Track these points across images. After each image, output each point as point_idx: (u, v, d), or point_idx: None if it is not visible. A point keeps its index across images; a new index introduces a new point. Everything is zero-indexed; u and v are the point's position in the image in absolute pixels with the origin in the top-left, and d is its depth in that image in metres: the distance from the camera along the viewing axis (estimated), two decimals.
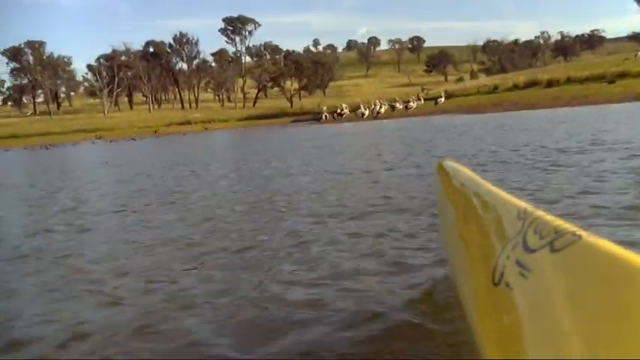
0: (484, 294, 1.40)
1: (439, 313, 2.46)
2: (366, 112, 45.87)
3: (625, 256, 0.86)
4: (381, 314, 2.51)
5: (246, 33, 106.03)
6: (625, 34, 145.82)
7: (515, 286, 1.15)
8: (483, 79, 65.73)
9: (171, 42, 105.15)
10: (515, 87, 50.47)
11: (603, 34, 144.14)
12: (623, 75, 43.96)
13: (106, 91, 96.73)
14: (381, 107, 45.50)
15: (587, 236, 0.98)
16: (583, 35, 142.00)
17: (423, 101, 45.28)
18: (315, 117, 53.88)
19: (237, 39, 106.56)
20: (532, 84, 49.47)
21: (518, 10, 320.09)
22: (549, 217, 1.19)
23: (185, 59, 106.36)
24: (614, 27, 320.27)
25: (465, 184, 2.15)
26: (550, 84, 47.63)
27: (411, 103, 44.21)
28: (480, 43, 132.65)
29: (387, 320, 2.44)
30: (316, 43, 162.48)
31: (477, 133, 15.80)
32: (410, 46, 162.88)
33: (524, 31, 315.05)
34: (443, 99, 45.12)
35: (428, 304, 2.61)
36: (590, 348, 0.79)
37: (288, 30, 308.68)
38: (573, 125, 15.92)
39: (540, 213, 1.25)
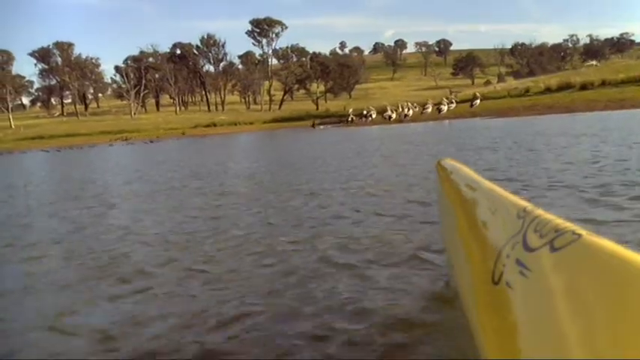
0: (484, 293, 1.38)
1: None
2: (394, 115, 44.61)
3: (625, 255, 0.86)
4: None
5: (273, 35, 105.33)
6: None
7: (516, 285, 1.15)
8: (514, 82, 64.08)
9: (199, 44, 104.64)
10: (548, 90, 48.98)
11: (632, 38, 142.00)
12: None
13: (132, 92, 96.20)
14: (408, 110, 44.35)
15: (587, 235, 0.99)
16: (612, 38, 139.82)
17: (455, 104, 43.63)
18: (341, 119, 53.29)
19: (264, 41, 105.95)
20: (565, 87, 47.93)
21: (544, 12, 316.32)
22: (549, 216, 1.19)
23: (212, 61, 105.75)
24: None
25: (464, 183, 2.15)
26: (584, 87, 46.08)
27: (443, 106, 42.69)
28: (508, 46, 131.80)
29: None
30: (343, 45, 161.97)
31: (536, 141, 13.41)
32: (437, 49, 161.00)
33: (550, 33, 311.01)
34: (479, 101, 43.44)
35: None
36: (590, 347, 0.79)
37: (315, 32, 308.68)
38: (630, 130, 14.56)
39: (540, 212, 1.25)
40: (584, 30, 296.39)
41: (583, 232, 1.00)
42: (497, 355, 1.14)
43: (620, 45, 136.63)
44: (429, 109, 43.83)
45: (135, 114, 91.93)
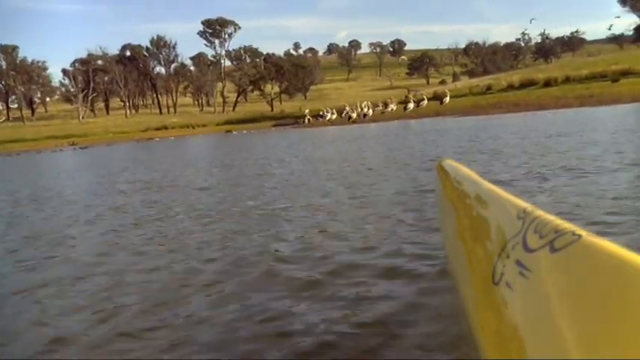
0: (484, 294, 1.38)
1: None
2: (354, 115, 42.36)
3: (625, 255, 0.86)
4: None
5: (226, 36, 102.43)
6: (604, 36, 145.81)
7: (516, 285, 1.14)
8: (475, 80, 62.13)
9: (149, 45, 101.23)
10: (510, 87, 47.28)
11: (583, 37, 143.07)
12: (625, 73, 40.93)
13: (80, 96, 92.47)
14: (368, 109, 42.10)
15: (587, 236, 0.98)
16: (563, 37, 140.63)
17: (426, 100, 41.55)
18: (297, 121, 51.85)
19: (217, 42, 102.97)
20: (528, 84, 46.21)
21: (497, 13, 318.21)
22: (549, 217, 1.18)
23: (163, 63, 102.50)
24: (593, 29, 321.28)
25: (464, 184, 2.14)
26: (548, 83, 44.32)
27: (410, 104, 40.60)
28: (461, 46, 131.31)
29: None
30: (297, 46, 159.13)
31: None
32: (391, 49, 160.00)
33: (503, 33, 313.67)
34: (448, 98, 41.30)
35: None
36: (590, 348, 0.79)
37: (268, 34, 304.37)
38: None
39: (540, 212, 1.24)
40: (537, 30, 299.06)
41: (583, 232, 1.00)
42: (497, 356, 1.15)
43: (571, 43, 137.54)
44: (391, 108, 41.48)
45: (83, 118, 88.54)
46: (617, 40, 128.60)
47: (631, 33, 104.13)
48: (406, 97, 48.51)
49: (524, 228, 1.22)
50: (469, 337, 1.50)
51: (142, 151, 28.12)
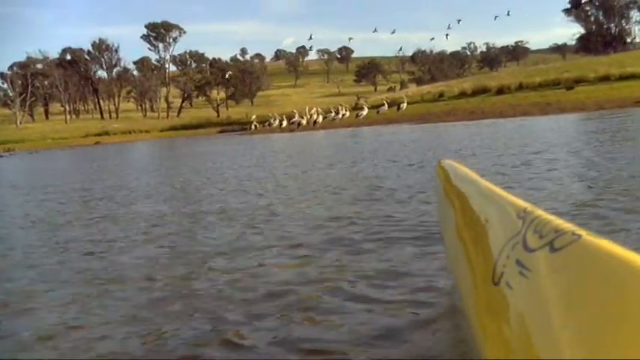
0: (484, 293, 1.39)
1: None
2: (303, 122, 40.37)
3: (625, 255, 0.86)
4: None
5: (170, 40, 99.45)
6: (547, 46, 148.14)
7: (516, 285, 1.15)
8: (427, 87, 60.71)
9: (90, 49, 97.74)
10: (463, 94, 45.84)
11: (527, 46, 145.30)
12: (578, 81, 40.04)
13: (18, 100, 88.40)
14: (318, 116, 40.15)
15: (587, 236, 0.98)
16: (508, 46, 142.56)
17: (387, 106, 39.65)
18: (244, 127, 50.12)
19: (161, 46, 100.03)
20: (481, 91, 44.95)
21: (443, 22, 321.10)
22: (549, 217, 1.19)
23: (105, 67, 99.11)
24: (537, 39, 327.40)
25: (464, 184, 2.15)
26: (501, 91, 43.11)
27: (363, 111, 38.72)
28: (408, 53, 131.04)
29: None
30: (244, 52, 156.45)
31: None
32: (339, 56, 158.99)
33: (448, 42, 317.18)
34: (405, 104, 39.47)
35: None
36: (590, 348, 0.78)
37: (214, 39, 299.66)
38: None
39: (540, 212, 1.25)
40: (481, 38, 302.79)
41: (583, 232, 1.00)
42: (497, 356, 1.15)
43: (515, 53, 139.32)
44: (343, 115, 39.85)
45: (21, 123, 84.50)
46: (559, 49, 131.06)
47: (573, 43, 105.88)
48: (356, 103, 46.88)
49: (524, 227, 1.22)
50: (469, 337, 1.50)
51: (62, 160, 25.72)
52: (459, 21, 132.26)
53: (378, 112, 39.48)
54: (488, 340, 1.25)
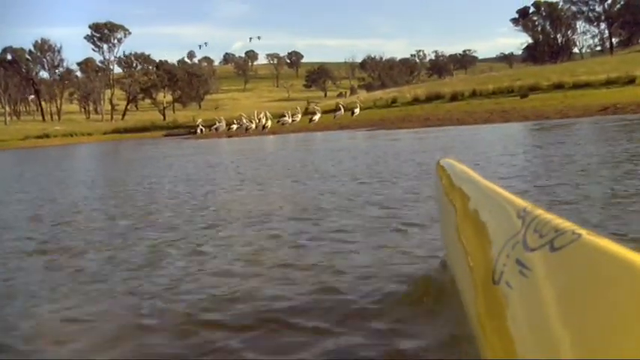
0: (484, 293, 1.39)
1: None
2: (252, 126, 38.74)
3: (625, 254, 0.86)
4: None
5: (115, 41, 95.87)
6: (494, 55, 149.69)
7: (516, 285, 1.15)
8: (379, 92, 59.32)
9: (32, 49, 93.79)
10: (416, 100, 44.75)
11: (475, 55, 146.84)
12: (533, 89, 39.36)
13: None
14: (267, 121, 38.54)
15: (587, 235, 0.98)
16: (456, 55, 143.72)
17: (343, 111, 38.52)
18: (191, 131, 48.12)
19: (105, 47, 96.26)
20: (434, 97, 43.93)
21: (391, 29, 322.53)
22: (549, 216, 1.19)
23: (47, 68, 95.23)
24: (483, 48, 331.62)
25: (464, 183, 2.12)
26: (454, 97, 42.15)
27: (315, 116, 37.50)
28: (358, 60, 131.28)
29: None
30: (191, 55, 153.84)
31: None
32: (288, 60, 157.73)
33: (395, 49, 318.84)
34: (358, 110, 38.50)
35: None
36: (590, 347, 0.78)
37: (160, 42, 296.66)
38: None
39: (540, 212, 1.25)
40: (429, 47, 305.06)
41: (583, 231, 1.00)
42: (497, 355, 1.15)
43: (463, 61, 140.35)
44: (293, 120, 38.41)
45: None
46: (506, 59, 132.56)
47: (520, 52, 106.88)
48: (306, 108, 45.38)
49: (524, 227, 1.22)
50: (469, 336, 1.49)
51: None
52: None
53: (335, 116, 38.27)
54: (489, 340, 1.25)
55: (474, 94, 42.29)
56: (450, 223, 2.10)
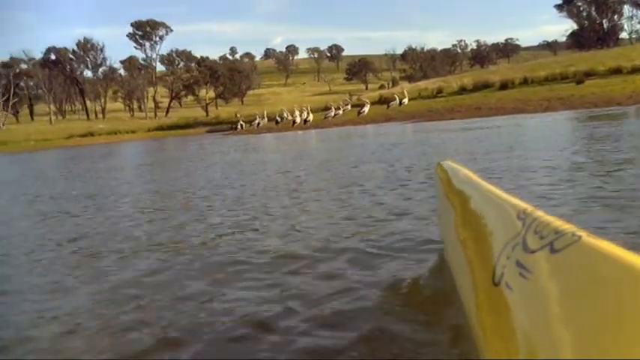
0: (484, 294, 1.38)
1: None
2: (298, 119, 37.01)
3: (625, 256, 0.85)
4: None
5: (157, 38, 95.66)
6: (537, 43, 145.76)
7: (515, 286, 1.15)
8: (423, 83, 57.25)
9: (75, 48, 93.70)
10: (463, 90, 42.48)
11: (518, 43, 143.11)
12: (588, 74, 36.82)
13: (0, 101, 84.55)
14: (309, 115, 36.91)
15: (587, 237, 0.98)
16: (498, 44, 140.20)
17: (398, 101, 36.42)
18: (232, 126, 47.30)
19: (147, 45, 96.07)
20: (482, 86, 41.61)
21: (430, 20, 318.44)
22: (549, 218, 1.19)
23: (90, 66, 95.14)
24: (525, 36, 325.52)
25: (464, 185, 2.13)
26: (504, 86, 39.75)
27: (365, 108, 35.60)
28: (399, 52, 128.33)
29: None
30: (233, 51, 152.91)
31: None
32: (329, 54, 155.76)
33: (435, 40, 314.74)
34: (407, 100, 36.46)
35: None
36: (590, 349, 0.78)
37: (202, 39, 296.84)
38: None
39: (540, 213, 1.25)
40: (470, 36, 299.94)
41: (583, 233, 1.00)
42: (497, 356, 1.15)
43: (506, 50, 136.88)
44: (336, 113, 36.53)
45: (4, 125, 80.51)
46: (550, 46, 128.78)
47: (564, 39, 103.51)
48: (348, 100, 43.42)
49: (524, 229, 1.22)
50: (469, 337, 1.49)
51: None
52: None
53: (388, 106, 36.57)
54: (489, 341, 1.24)
55: (524, 82, 39.89)
56: (450, 224, 2.10)
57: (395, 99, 36.65)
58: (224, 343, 2.29)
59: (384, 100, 41.25)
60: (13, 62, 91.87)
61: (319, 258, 3.38)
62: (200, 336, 2.36)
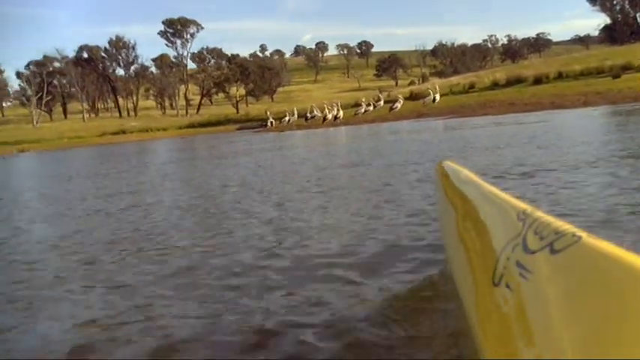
0: (484, 295, 1.37)
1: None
2: (329, 116, 36.43)
3: (625, 257, 0.86)
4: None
5: (188, 36, 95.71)
6: (569, 37, 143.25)
7: (515, 287, 1.14)
8: (455, 78, 56.34)
9: (107, 46, 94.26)
10: (496, 85, 41.61)
11: (549, 37, 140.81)
12: (625, 68, 35.73)
13: (34, 99, 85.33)
14: (339, 111, 36.39)
15: (587, 237, 0.98)
16: (529, 38, 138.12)
17: (433, 96, 35.39)
18: (262, 123, 46.39)
19: (179, 42, 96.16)
20: (515, 81, 40.67)
21: (459, 15, 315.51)
22: (549, 218, 1.18)
23: (122, 64, 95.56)
24: (555, 31, 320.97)
25: (464, 185, 2.10)
26: (538, 80, 38.79)
27: (397, 103, 34.93)
28: (429, 47, 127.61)
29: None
30: (263, 48, 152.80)
31: None
32: (358, 50, 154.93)
33: (465, 35, 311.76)
34: (439, 96, 35.52)
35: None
36: (590, 350, 0.78)
37: (232, 37, 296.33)
38: None
39: (540, 214, 1.24)
40: (500, 32, 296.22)
41: (583, 234, 1.00)
42: (497, 357, 1.14)
43: (537, 45, 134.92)
44: (368, 109, 35.87)
45: (38, 123, 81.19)
46: (582, 40, 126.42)
47: (597, 33, 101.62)
48: (379, 96, 42.77)
49: (524, 229, 1.21)
50: (469, 337, 1.49)
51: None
52: None
53: (423, 102, 35.98)
54: (489, 342, 1.24)
55: (559, 76, 38.86)
56: (451, 225, 2.09)
57: (430, 94, 35.77)
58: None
59: (414, 97, 40.49)
60: (46, 61, 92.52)
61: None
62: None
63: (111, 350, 2.32)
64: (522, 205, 1.38)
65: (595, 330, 0.79)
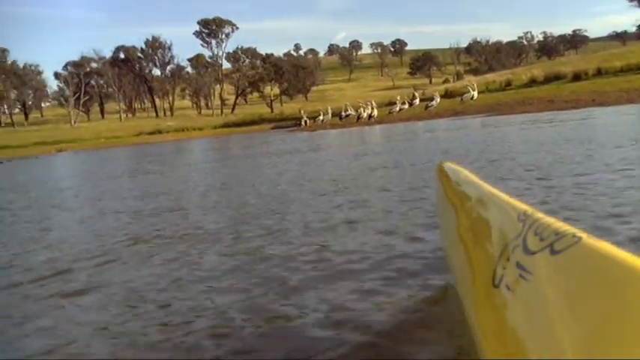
0: (484, 296, 1.38)
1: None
2: (364, 114, 35.62)
3: (625, 258, 0.86)
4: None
5: (223, 36, 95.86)
6: (605, 34, 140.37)
7: (515, 288, 1.14)
8: (491, 75, 55.47)
9: (143, 47, 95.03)
10: (533, 82, 40.73)
11: (586, 34, 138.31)
12: None
13: (72, 99, 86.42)
14: (373, 110, 35.69)
15: (588, 238, 0.98)
16: (565, 35, 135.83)
17: (472, 93, 34.81)
18: (296, 122, 45.89)
19: (214, 42, 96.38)
20: (553, 77, 39.78)
21: (492, 12, 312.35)
22: (550, 219, 1.18)
23: (158, 65, 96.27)
24: (592, 27, 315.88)
25: (465, 186, 2.10)
26: (577, 77, 37.89)
27: (433, 101, 33.94)
28: (463, 45, 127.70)
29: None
30: (297, 47, 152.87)
31: None
32: (392, 49, 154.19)
33: (499, 32, 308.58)
34: (476, 93, 34.77)
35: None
36: (589, 350, 0.78)
37: (266, 36, 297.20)
38: None
39: (540, 215, 1.24)
40: (534, 28, 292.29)
41: (583, 235, 1.00)
42: (496, 357, 1.15)
43: (574, 41, 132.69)
44: (403, 107, 35.45)
45: (75, 122, 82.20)
46: (619, 37, 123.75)
47: (634, 29, 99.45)
48: (415, 94, 42.21)
49: (524, 230, 1.21)
50: (469, 338, 1.49)
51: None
52: None
53: (462, 99, 35.06)
54: (489, 343, 1.24)
55: (598, 73, 37.92)
56: (451, 226, 2.08)
57: (468, 91, 34.95)
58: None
59: (449, 94, 39.84)
60: (83, 61, 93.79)
61: None
62: None
63: None
64: (522, 206, 1.37)
65: (595, 330, 0.79)
